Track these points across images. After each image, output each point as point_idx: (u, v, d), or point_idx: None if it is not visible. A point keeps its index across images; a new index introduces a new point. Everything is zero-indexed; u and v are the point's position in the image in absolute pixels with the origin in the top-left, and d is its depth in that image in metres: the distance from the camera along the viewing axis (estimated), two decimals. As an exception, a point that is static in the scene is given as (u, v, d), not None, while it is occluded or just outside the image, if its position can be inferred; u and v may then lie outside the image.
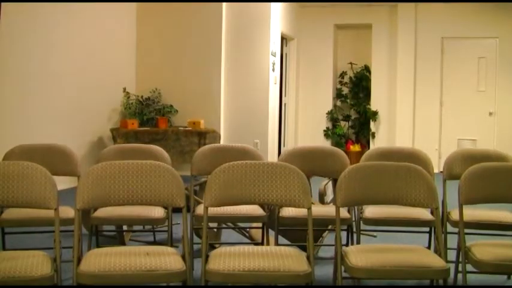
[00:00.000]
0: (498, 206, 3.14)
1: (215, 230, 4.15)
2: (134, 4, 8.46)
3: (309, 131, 10.24)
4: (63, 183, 3.36)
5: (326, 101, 10.27)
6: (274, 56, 8.61)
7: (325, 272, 3.64)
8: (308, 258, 2.54)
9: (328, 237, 4.27)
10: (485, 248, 2.69)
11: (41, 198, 2.57)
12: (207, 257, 2.53)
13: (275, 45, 8.62)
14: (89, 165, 2.88)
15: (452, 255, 3.06)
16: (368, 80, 10.22)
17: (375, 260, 2.47)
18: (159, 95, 8.30)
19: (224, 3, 8.28)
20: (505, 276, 3.57)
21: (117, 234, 4.09)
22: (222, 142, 7.93)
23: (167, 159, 3.71)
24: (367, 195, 2.74)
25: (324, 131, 10.23)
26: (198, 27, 8.30)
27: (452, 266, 2.84)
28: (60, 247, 2.53)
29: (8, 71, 6.05)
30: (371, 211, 3.50)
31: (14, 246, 3.53)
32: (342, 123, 10.35)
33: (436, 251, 3.00)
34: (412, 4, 9.63)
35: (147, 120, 8.09)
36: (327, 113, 10.23)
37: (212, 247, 3.60)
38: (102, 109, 7.85)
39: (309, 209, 2.66)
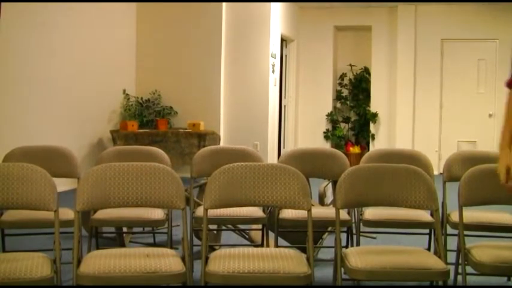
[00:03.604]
0: (498, 207, 3.14)
1: (215, 231, 4.15)
2: (134, 5, 8.47)
3: (309, 132, 10.24)
4: (63, 184, 3.36)
5: (326, 103, 10.28)
6: (274, 57, 8.62)
7: (325, 273, 3.64)
8: (308, 260, 2.54)
9: (328, 239, 4.27)
10: (485, 249, 2.69)
11: (40, 199, 2.57)
12: (206, 258, 2.53)
13: (275, 46, 8.63)
14: (89, 166, 2.88)
15: (452, 257, 3.05)
16: (368, 81, 10.23)
17: (374, 261, 2.46)
18: (159, 96, 8.30)
19: (224, 4, 8.29)
20: (505, 278, 3.57)
21: (116, 236, 4.09)
22: (221, 144, 7.93)
23: (167, 161, 3.71)
24: (367, 197, 2.74)
25: (324, 132, 10.23)
26: (198, 28, 8.31)
27: (452, 268, 2.83)
28: (60, 249, 2.53)
29: (7, 73, 6.05)
30: (371, 213, 3.50)
31: (13, 248, 3.54)
32: (342, 125, 10.36)
33: (436, 253, 3.00)
34: (412, 6, 9.64)
35: (147, 122, 8.10)
36: (326, 115, 10.23)
37: (212, 249, 3.60)
38: (102, 111, 7.86)
39: (309, 210, 2.66)
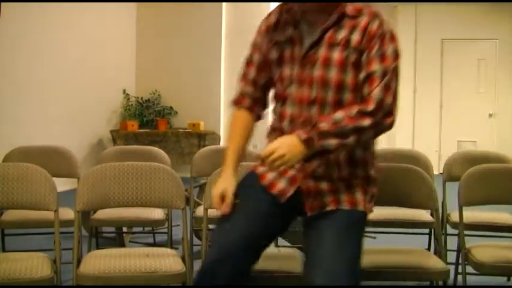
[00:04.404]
0: (498, 207, 3.14)
1: (215, 231, 4.14)
2: (134, 5, 8.47)
3: (309, 132, 10.23)
4: (63, 184, 3.36)
5: (326, 103, 10.27)
6: (274, 57, 8.60)
7: (325, 273, 3.63)
8: (308, 259, 2.54)
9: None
10: (485, 249, 2.69)
11: (40, 199, 2.57)
12: (206, 258, 2.52)
13: (275, 46, 8.61)
14: (89, 166, 2.88)
15: (452, 256, 3.05)
16: (368, 81, 10.22)
17: (374, 261, 2.46)
18: (159, 96, 8.30)
19: (224, 4, 8.29)
20: (505, 278, 3.57)
21: (116, 236, 4.09)
22: (221, 144, 7.93)
23: (167, 161, 3.71)
24: (367, 196, 2.73)
25: (324, 132, 10.22)
26: (198, 28, 8.30)
27: (452, 268, 2.84)
28: (60, 249, 2.53)
29: (7, 73, 6.05)
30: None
31: (13, 248, 3.54)
32: (342, 124, 10.35)
33: (436, 253, 3.00)
34: (412, 5, 9.64)
35: (147, 122, 8.10)
36: (326, 115, 10.22)
37: (212, 249, 3.59)
38: (102, 111, 7.86)
39: (309, 210, 2.66)
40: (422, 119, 9.74)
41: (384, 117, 1.85)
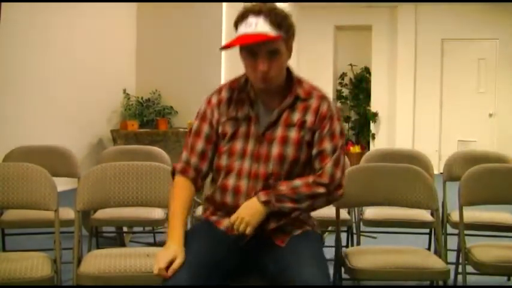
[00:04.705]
0: (498, 207, 3.14)
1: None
2: (134, 4, 8.47)
3: (309, 132, 10.23)
4: (63, 184, 3.36)
5: (326, 103, 10.27)
6: (274, 57, 8.59)
7: (325, 273, 3.63)
8: (308, 259, 2.53)
9: (328, 239, 4.27)
10: (485, 249, 2.69)
11: (41, 199, 2.57)
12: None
13: (275, 46, 8.61)
14: (89, 166, 2.88)
15: (452, 256, 3.05)
16: (368, 81, 10.24)
17: (375, 261, 2.47)
18: (159, 96, 8.30)
19: (224, 4, 8.28)
20: (505, 278, 3.57)
21: (117, 236, 4.09)
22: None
23: (167, 161, 3.71)
24: (367, 196, 2.74)
25: (324, 132, 10.22)
26: (198, 28, 8.30)
27: (452, 268, 2.84)
28: (60, 248, 2.53)
29: (7, 72, 6.05)
30: (371, 213, 3.50)
31: (14, 248, 3.54)
32: (342, 124, 10.35)
33: (436, 253, 3.00)
34: (412, 5, 9.64)
35: (147, 121, 8.09)
36: (327, 115, 10.22)
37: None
38: (102, 110, 7.86)
39: (309, 210, 2.66)
40: (422, 119, 9.75)
41: (335, 189, 2.08)
